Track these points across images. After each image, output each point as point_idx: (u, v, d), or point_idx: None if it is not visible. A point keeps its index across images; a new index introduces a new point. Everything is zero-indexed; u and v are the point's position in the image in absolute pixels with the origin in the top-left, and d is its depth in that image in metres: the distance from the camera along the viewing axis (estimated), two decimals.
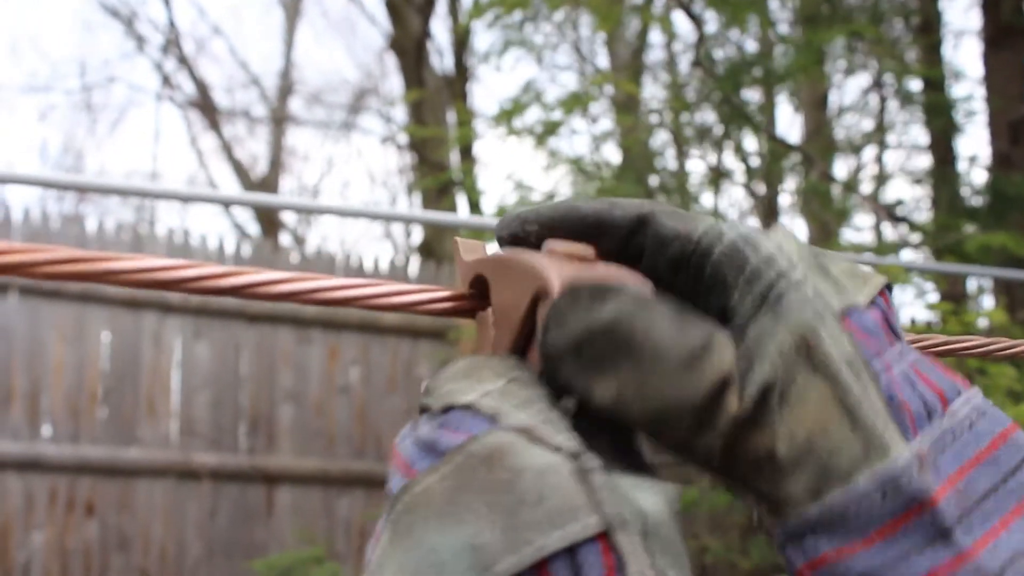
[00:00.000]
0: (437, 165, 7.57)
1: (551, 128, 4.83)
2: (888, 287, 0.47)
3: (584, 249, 0.45)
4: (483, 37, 12.44)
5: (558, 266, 0.43)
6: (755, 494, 0.43)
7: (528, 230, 0.48)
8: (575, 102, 4.88)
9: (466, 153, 7.52)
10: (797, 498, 0.41)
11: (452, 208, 7.26)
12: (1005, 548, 0.41)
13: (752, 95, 6.00)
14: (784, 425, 0.41)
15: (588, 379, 0.41)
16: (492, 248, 0.50)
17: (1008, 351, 0.65)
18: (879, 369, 0.43)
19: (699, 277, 0.45)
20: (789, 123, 10.89)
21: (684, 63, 6.15)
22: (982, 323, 3.52)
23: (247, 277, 0.44)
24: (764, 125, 5.58)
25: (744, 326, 0.43)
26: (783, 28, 5.37)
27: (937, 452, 0.42)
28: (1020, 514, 0.42)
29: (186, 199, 3.04)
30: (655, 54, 6.93)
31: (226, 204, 10.69)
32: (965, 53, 11.17)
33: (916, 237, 5.16)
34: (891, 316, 0.46)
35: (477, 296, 0.48)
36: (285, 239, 12.26)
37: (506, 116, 4.86)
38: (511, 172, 6.34)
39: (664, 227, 0.46)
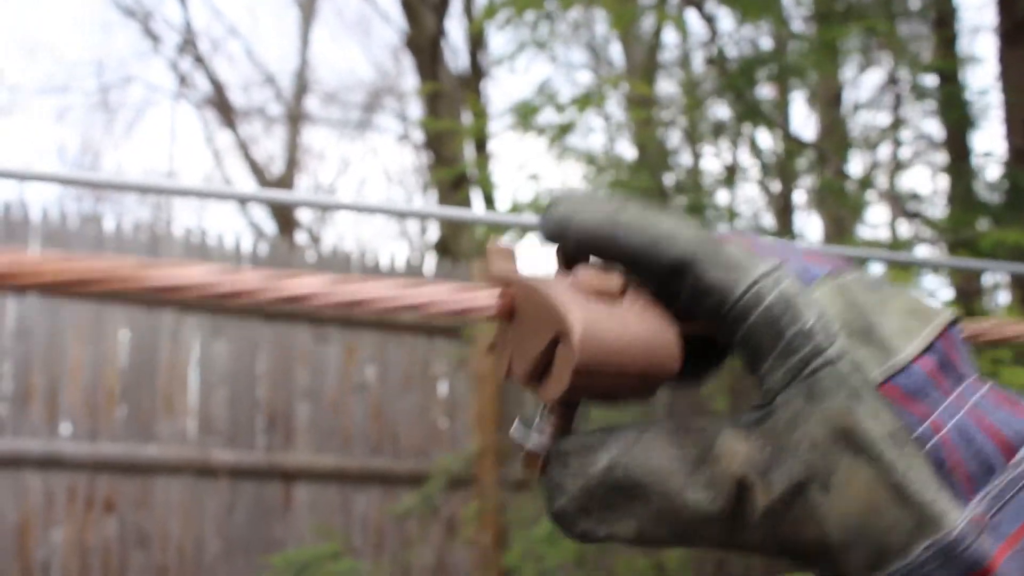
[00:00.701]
0: (452, 161, 7.59)
1: (564, 129, 4.84)
2: (954, 322, 0.45)
3: (613, 283, 0.45)
4: (498, 36, 12.45)
5: (582, 307, 0.43)
6: (813, 569, 0.43)
7: (567, 240, 0.47)
8: (587, 102, 4.88)
9: (480, 147, 7.53)
10: (857, 573, 0.41)
11: (466, 205, 7.27)
12: None
13: (767, 92, 5.99)
14: (832, 512, 0.41)
15: (607, 527, 0.42)
16: (521, 254, 0.49)
17: None
18: (927, 434, 0.42)
19: (732, 335, 0.44)
20: (804, 120, 10.85)
21: (699, 60, 6.15)
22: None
23: (292, 287, 0.44)
24: (779, 122, 5.57)
25: (772, 401, 0.42)
26: (797, 25, 5.36)
27: (997, 510, 0.41)
28: None
29: (203, 195, 3.07)
30: (670, 52, 6.93)
31: (242, 200, 10.72)
32: (981, 49, 11.12)
33: (931, 233, 5.16)
34: (954, 356, 0.44)
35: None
36: (301, 238, 12.29)
37: (521, 116, 4.86)
38: (525, 164, 6.33)
39: (704, 277, 0.44)
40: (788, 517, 0.41)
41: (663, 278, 0.45)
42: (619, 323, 0.43)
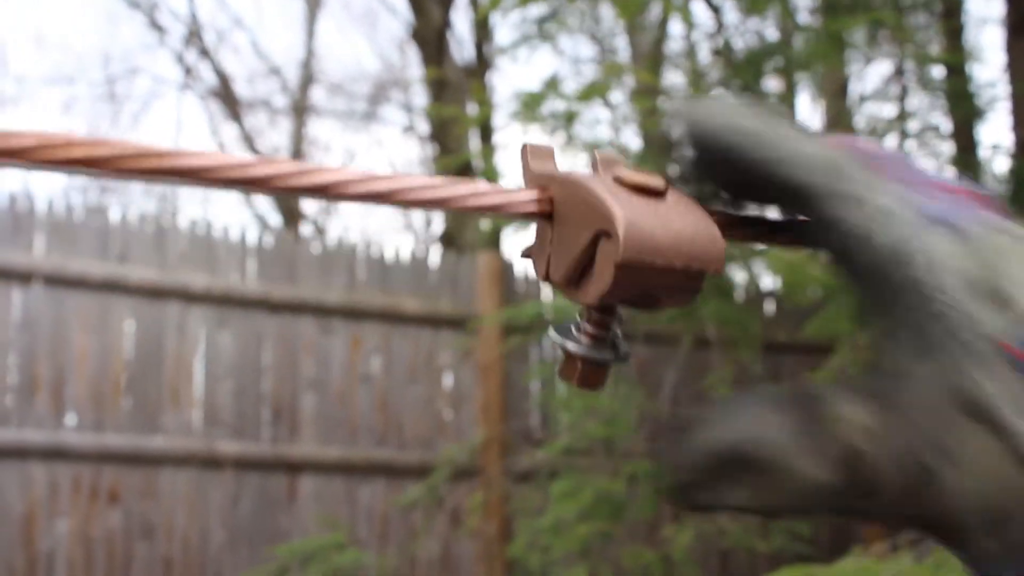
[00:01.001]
0: (457, 152, 7.59)
1: (569, 118, 4.83)
2: None
3: (654, 180, 0.43)
4: (504, 27, 12.43)
5: (626, 201, 0.42)
6: (945, 546, 0.40)
7: (695, 140, 0.44)
8: (591, 91, 4.87)
9: (486, 137, 7.53)
10: (990, 555, 0.38)
11: None
12: None
13: (773, 83, 5.98)
14: (953, 487, 0.38)
15: (718, 497, 0.41)
16: (560, 158, 0.47)
17: None
18: None
19: (841, 277, 0.42)
20: (810, 111, 10.82)
21: (705, 52, 6.14)
22: None
23: (326, 176, 0.43)
24: (784, 113, 5.56)
25: (884, 361, 0.40)
26: (803, 17, 5.35)
27: None
28: None
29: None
30: (676, 42, 6.92)
31: (248, 191, 10.72)
32: (988, 41, 11.09)
33: None
34: None
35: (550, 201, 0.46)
36: (306, 230, 12.29)
37: (525, 106, 4.86)
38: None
39: (818, 210, 0.41)
40: (905, 488, 0.39)
41: (778, 201, 0.44)
42: (663, 218, 0.42)
